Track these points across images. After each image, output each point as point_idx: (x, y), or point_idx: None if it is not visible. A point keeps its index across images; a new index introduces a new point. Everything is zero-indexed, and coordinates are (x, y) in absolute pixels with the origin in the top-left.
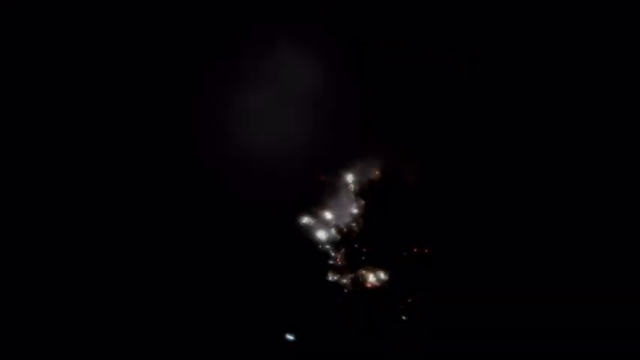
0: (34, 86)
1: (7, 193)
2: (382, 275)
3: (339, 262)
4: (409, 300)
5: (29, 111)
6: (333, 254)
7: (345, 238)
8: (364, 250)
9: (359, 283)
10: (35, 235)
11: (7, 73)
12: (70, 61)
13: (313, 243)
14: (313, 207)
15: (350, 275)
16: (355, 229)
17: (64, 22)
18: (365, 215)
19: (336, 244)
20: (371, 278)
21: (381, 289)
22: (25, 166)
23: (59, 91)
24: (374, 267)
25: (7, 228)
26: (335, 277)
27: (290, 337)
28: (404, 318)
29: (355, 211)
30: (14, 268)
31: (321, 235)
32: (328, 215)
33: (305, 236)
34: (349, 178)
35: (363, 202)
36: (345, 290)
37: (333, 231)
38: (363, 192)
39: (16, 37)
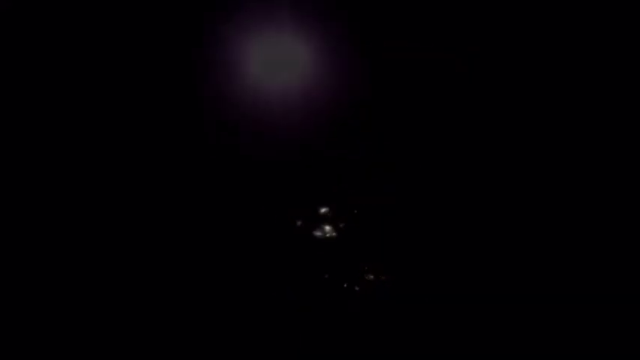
0: (34, 85)
1: (6, 192)
2: (382, 276)
3: (339, 262)
4: (409, 301)
5: (29, 108)
6: (332, 254)
7: (345, 238)
8: (364, 250)
9: (359, 283)
10: (35, 232)
11: (7, 73)
12: (69, 58)
13: (313, 243)
14: (313, 205)
15: (350, 275)
16: (355, 228)
17: (63, 22)
18: (363, 215)
19: (335, 243)
20: (371, 278)
21: (380, 288)
22: (25, 162)
23: (59, 87)
24: (374, 267)
25: (7, 228)
26: (334, 278)
27: (289, 336)
28: (403, 318)
29: (355, 210)
30: (14, 268)
31: (321, 234)
32: (328, 214)
33: (304, 235)
34: (349, 178)
35: (361, 202)
36: (345, 290)
37: (332, 232)
38: (363, 192)
39: (16, 37)
